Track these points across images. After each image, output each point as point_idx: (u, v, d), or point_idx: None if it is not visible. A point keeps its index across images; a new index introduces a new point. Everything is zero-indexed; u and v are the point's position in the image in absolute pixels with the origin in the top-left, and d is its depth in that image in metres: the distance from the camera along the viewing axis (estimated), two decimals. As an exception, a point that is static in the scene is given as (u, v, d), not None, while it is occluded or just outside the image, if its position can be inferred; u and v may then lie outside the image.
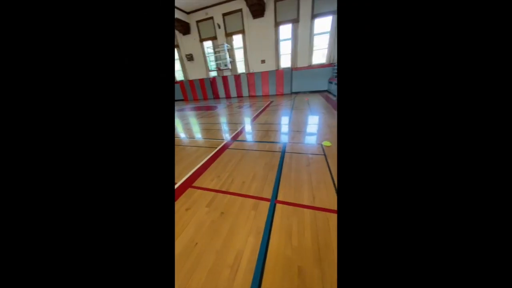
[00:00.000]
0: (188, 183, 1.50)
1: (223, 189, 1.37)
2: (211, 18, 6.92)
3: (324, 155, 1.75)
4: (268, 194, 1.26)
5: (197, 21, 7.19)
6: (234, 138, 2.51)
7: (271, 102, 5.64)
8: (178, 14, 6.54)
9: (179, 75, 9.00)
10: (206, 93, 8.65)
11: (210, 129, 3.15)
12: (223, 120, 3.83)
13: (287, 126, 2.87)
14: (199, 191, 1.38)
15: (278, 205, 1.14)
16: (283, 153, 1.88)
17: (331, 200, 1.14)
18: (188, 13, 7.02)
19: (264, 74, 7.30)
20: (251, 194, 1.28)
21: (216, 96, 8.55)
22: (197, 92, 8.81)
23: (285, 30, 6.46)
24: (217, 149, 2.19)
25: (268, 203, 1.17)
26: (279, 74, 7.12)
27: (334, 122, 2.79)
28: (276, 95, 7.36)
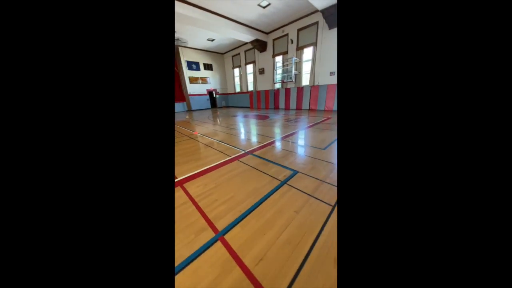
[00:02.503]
0: (182, 182, 1.69)
1: (197, 199, 1.39)
2: (286, 35, 7.32)
3: (333, 206, 1.21)
4: (222, 225, 1.10)
5: (274, 39, 7.91)
6: (252, 151, 2.46)
7: (328, 118, 4.83)
8: (258, 35, 7.62)
9: (250, 86, 10.40)
10: (268, 103, 9.23)
11: (241, 137, 3.32)
12: (261, 131, 3.88)
13: (317, 152, 2.33)
14: (182, 192, 1.51)
15: (218, 244, 0.97)
16: (283, 183, 1.55)
17: (281, 274, 0.77)
18: (267, 33, 7.96)
19: (331, 87, 6.43)
20: (210, 216, 1.19)
21: (276, 107, 8.83)
22: (261, 101, 9.64)
23: (369, 36, 5.28)
24: (229, 157, 2.27)
25: (212, 235, 1.03)
26: (350, 87, 5.94)
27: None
28: (342, 111, 6.20)
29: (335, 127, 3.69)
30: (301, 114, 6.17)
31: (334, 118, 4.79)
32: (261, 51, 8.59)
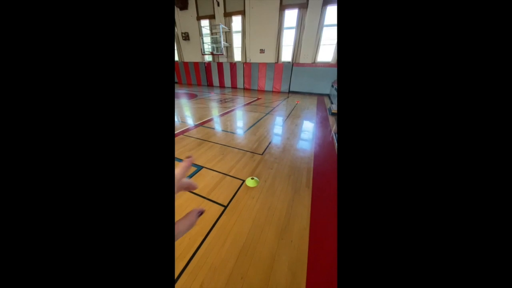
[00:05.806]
0: None
1: None
2: (211, -8, 6.04)
3: (225, 206, 1.10)
4: None
5: (196, -5, 6.35)
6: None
7: (259, 99, 4.89)
8: (173, -17, 5.74)
9: (175, 55, 8.37)
10: (200, 78, 8.01)
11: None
12: (180, 113, 3.22)
13: (233, 138, 2.20)
14: None
15: None
16: (177, 186, 1.26)
17: None
18: (186, -17, 6.18)
19: (262, 66, 6.43)
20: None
21: (210, 84, 7.88)
22: (192, 76, 8.18)
23: (291, 16, 5.43)
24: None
25: None
26: (278, 68, 6.21)
27: (291, 143, 2.06)
28: (272, 92, 6.53)
29: (262, 108, 3.76)
30: (236, 93, 5.86)
31: (263, 99, 4.91)
32: (181, 8, 6.74)
